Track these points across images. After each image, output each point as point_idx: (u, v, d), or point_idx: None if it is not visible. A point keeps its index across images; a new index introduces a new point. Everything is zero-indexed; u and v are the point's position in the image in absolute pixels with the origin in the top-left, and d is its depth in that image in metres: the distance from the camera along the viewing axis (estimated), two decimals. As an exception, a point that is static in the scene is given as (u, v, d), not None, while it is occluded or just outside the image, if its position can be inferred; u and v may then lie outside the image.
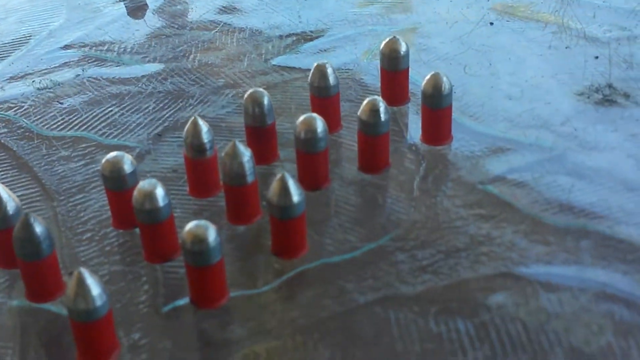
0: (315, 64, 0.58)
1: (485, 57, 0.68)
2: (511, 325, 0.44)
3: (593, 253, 0.48)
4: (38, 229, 0.45)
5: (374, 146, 0.54)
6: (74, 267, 0.49)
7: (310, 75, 0.58)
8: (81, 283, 0.41)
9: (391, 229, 0.51)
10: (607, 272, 0.46)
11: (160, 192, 0.47)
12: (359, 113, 0.54)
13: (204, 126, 0.52)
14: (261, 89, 0.55)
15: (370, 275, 0.47)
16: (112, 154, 0.50)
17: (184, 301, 0.47)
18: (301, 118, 0.52)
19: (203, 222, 0.44)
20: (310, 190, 0.54)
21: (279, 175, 0.47)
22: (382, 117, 0.53)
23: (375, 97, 0.54)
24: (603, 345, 0.42)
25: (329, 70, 0.57)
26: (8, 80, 0.69)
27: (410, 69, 0.61)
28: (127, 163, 0.50)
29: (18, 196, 0.55)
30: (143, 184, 0.47)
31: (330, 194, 0.54)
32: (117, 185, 0.50)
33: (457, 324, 0.44)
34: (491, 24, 0.73)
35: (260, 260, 0.49)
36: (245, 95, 0.55)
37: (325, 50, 0.70)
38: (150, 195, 0.47)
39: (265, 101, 0.55)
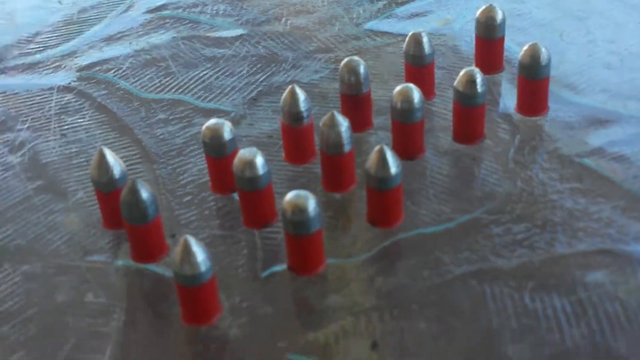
0: (410, 33, 0.57)
1: (583, 24, 0.66)
2: (609, 304, 0.44)
3: (695, 232, 0.47)
4: (144, 194, 0.47)
5: (470, 117, 0.54)
6: (175, 229, 0.51)
7: (405, 43, 0.58)
8: (187, 249, 0.43)
9: (486, 201, 0.51)
10: None
11: (260, 160, 0.48)
12: (455, 83, 0.54)
13: (301, 94, 0.53)
14: (357, 58, 0.55)
15: (465, 247, 0.48)
16: (212, 120, 0.51)
17: (281, 267, 0.48)
18: (398, 88, 0.52)
19: (303, 192, 0.45)
20: (405, 160, 0.54)
21: (377, 147, 0.47)
22: (479, 88, 0.53)
23: (473, 67, 0.53)
24: None
25: (425, 39, 0.57)
26: (106, 42, 0.70)
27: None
28: (227, 130, 0.51)
29: (124, 155, 0.57)
30: (244, 152, 0.48)
31: (425, 163, 0.54)
32: (217, 151, 0.51)
33: (554, 300, 0.44)
34: (588, -12, 0.71)
35: (356, 229, 0.50)
36: (342, 64, 0.55)
37: (417, 15, 0.70)
38: (250, 164, 0.48)
39: (362, 70, 0.55)
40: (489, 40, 0.60)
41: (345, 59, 0.55)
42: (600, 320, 0.43)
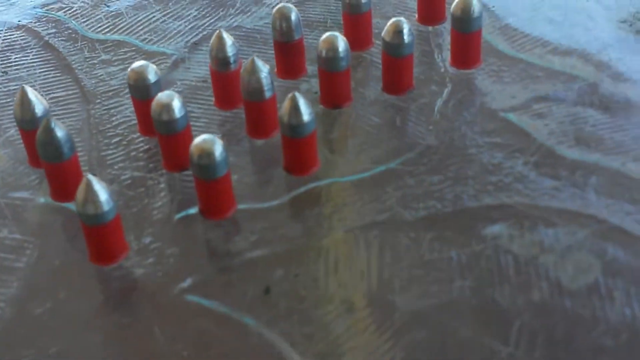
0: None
1: (535, -23, 0.66)
2: (502, 256, 0.44)
3: (600, 190, 0.48)
4: (59, 133, 0.48)
5: (397, 68, 0.54)
6: (99, 170, 0.52)
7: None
8: (89, 188, 0.44)
9: (404, 152, 0.51)
10: (610, 211, 0.46)
11: (177, 103, 0.49)
12: (382, 34, 0.54)
13: (228, 39, 0.53)
14: (289, 5, 0.56)
15: (375, 198, 0.49)
16: (138, 63, 0.52)
17: (195, 210, 0.49)
18: (323, 37, 0.53)
19: (210, 136, 0.46)
20: (331, 108, 0.54)
21: (290, 95, 0.48)
22: (406, 38, 0.53)
23: (400, 18, 0.53)
24: (588, 283, 0.43)
25: (363, -10, 0.57)
26: (62, -20, 0.71)
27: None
28: (152, 73, 0.52)
29: (58, 97, 0.58)
30: (161, 96, 0.49)
31: (350, 112, 0.54)
32: (142, 94, 0.52)
33: (450, 252, 0.45)
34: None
35: (273, 176, 0.51)
36: (274, 10, 0.56)
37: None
38: (167, 107, 0.49)
39: (293, 17, 0.55)
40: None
41: (278, 5, 0.56)
42: (489, 273, 0.44)
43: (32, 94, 0.50)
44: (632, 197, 0.47)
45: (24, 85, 0.50)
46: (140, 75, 0.52)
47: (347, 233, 0.47)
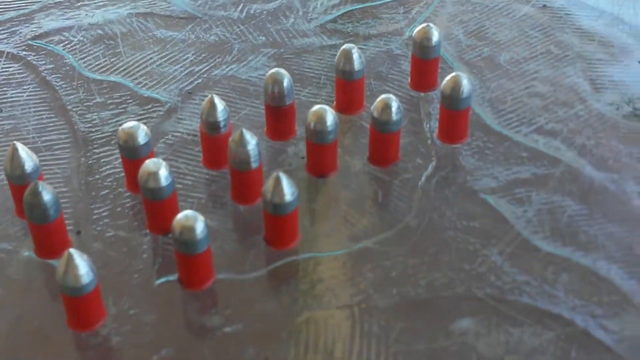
0: (342, 48, 0.58)
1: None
2: (467, 355, 0.46)
3: (569, 288, 0.49)
4: (46, 197, 0.49)
5: (384, 143, 0.55)
6: (84, 225, 0.53)
7: (336, 57, 0.59)
8: (70, 262, 0.45)
9: (383, 229, 0.52)
10: (577, 312, 0.47)
11: (163, 172, 0.50)
12: (372, 108, 0.55)
13: (219, 105, 0.54)
14: (282, 70, 0.56)
15: (351, 277, 0.50)
16: (129, 124, 0.53)
17: (175, 277, 0.50)
18: (313, 109, 0.54)
19: (192, 213, 0.47)
20: (317, 177, 0.55)
21: (273, 175, 0.49)
22: (394, 116, 0.54)
23: (389, 95, 0.54)
24: (547, 392, 0.44)
25: (355, 55, 0.58)
26: (65, 9, 0.71)
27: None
28: (142, 135, 0.53)
29: (50, 140, 0.59)
30: (148, 164, 0.50)
31: (334, 183, 0.55)
32: (131, 154, 0.53)
33: (417, 345, 0.46)
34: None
35: (253, 244, 0.52)
36: (266, 75, 0.56)
37: (373, 15, 0.70)
38: (154, 175, 0.50)
39: (285, 82, 0.56)
40: (424, 60, 0.60)
41: (270, 71, 0.56)
42: (452, 373, 0.45)
43: (22, 150, 0.51)
44: (600, 298, 0.48)
45: (15, 142, 0.51)
46: (130, 136, 0.53)
47: (321, 313, 0.48)
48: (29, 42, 0.68)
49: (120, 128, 0.53)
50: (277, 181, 0.49)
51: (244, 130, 0.52)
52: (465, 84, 0.55)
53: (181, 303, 0.49)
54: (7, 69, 0.65)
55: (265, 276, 0.50)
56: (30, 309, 0.49)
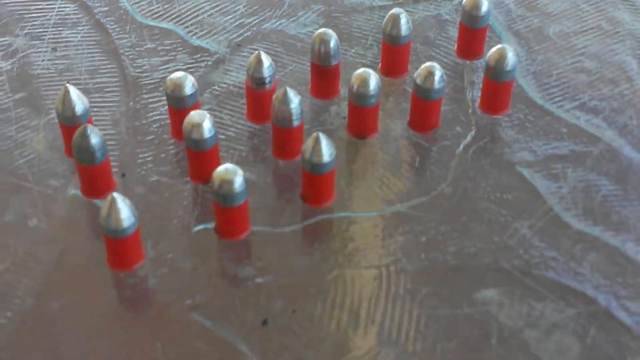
0: (390, 12, 0.59)
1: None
2: (489, 324, 0.47)
3: (596, 267, 0.50)
4: (94, 139, 0.50)
5: (425, 110, 0.56)
6: (129, 168, 0.55)
7: (383, 22, 0.59)
8: (113, 206, 0.47)
9: (417, 195, 0.53)
10: (601, 292, 0.48)
11: (207, 124, 0.51)
12: (414, 75, 0.55)
13: (266, 61, 0.55)
14: (330, 31, 0.57)
15: (382, 239, 0.51)
16: (177, 74, 0.54)
17: (212, 225, 0.52)
18: (356, 72, 0.54)
19: (232, 167, 0.49)
20: (357, 138, 0.57)
21: (313, 135, 0.50)
22: (436, 85, 0.55)
23: (433, 64, 0.55)
24: (563, 366, 0.45)
25: (403, 21, 0.58)
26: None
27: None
28: (189, 86, 0.54)
29: (101, 83, 0.60)
30: (193, 115, 0.52)
31: (373, 145, 0.56)
32: (178, 103, 0.55)
33: (441, 311, 0.47)
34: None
35: (290, 200, 0.53)
36: (314, 35, 0.57)
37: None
38: (198, 127, 0.51)
39: (332, 43, 0.57)
40: (472, 28, 0.61)
41: (318, 30, 0.57)
42: (473, 339, 0.46)
43: (74, 93, 0.53)
44: (625, 279, 0.49)
45: (67, 84, 0.53)
46: (177, 87, 0.54)
47: (350, 273, 0.49)
48: (86, -18, 0.69)
49: (168, 78, 0.55)
50: (317, 141, 0.50)
51: (288, 89, 0.53)
52: (511, 56, 0.56)
53: (216, 251, 0.51)
54: (63, 9, 0.67)
55: (299, 232, 0.52)
56: (73, 246, 0.51)
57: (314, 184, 0.52)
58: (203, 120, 0.51)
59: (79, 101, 0.53)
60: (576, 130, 0.57)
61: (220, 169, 0.49)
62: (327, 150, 0.50)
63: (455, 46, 0.63)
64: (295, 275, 0.49)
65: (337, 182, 0.54)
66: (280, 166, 0.55)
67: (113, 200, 0.47)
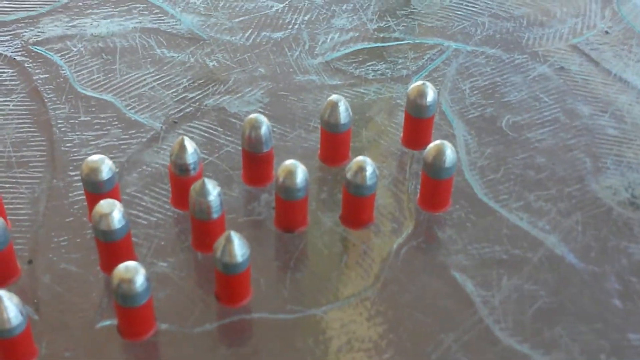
0: (328, 99, 0.56)
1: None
2: None
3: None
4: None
5: (356, 205, 0.53)
6: (40, 253, 0.52)
7: (322, 108, 0.56)
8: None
9: (337, 299, 0.50)
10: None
11: (117, 214, 0.49)
12: (346, 169, 0.52)
13: (189, 147, 0.52)
14: (260, 116, 0.54)
15: (290, 347, 0.48)
16: (93, 157, 0.52)
17: (113, 322, 0.49)
18: (284, 164, 0.52)
19: (133, 264, 0.46)
20: (284, 231, 0.53)
21: (226, 233, 0.47)
22: (368, 181, 0.52)
23: (364, 158, 0.52)
24: None
25: (342, 108, 0.56)
26: (73, 15, 0.70)
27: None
28: (105, 170, 0.51)
29: (25, 156, 0.58)
30: (102, 204, 0.49)
31: (300, 239, 0.53)
32: (94, 188, 0.52)
33: None
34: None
35: (203, 299, 0.50)
36: (245, 120, 0.54)
37: (381, 57, 0.68)
38: (106, 217, 0.48)
39: (263, 129, 0.54)
40: (417, 118, 0.58)
41: (249, 116, 0.55)
42: None
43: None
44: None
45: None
46: (93, 171, 0.51)
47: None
48: (30, 47, 0.67)
49: (84, 161, 0.52)
50: (228, 240, 0.47)
51: (206, 180, 0.50)
52: (449, 153, 0.53)
53: (119, 351, 0.48)
54: (1, 75, 0.64)
55: (210, 332, 0.49)
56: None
57: (227, 284, 0.49)
58: (112, 210, 0.49)
59: (-13, 182, 0.50)
60: (518, 233, 0.54)
61: (120, 267, 0.46)
62: (239, 250, 0.47)
63: (401, 135, 0.60)
64: (197, 383, 0.46)
65: (257, 279, 0.50)
66: (198, 259, 0.52)
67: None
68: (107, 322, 0.49)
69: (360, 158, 0.52)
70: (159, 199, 0.56)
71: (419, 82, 0.57)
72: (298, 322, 0.49)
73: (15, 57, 0.66)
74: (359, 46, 0.68)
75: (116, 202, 0.49)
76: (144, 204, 0.55)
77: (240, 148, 0.58)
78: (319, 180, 0.57)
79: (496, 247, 0.53)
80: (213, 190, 0.50)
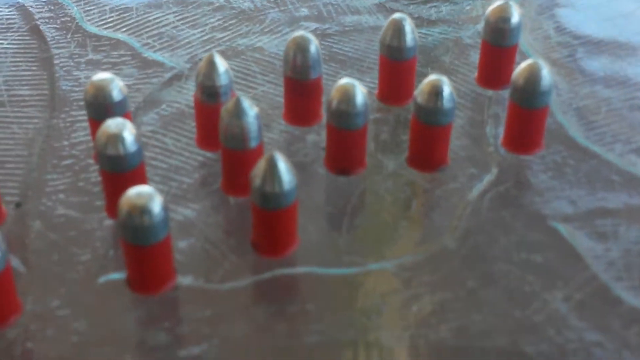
0: (391, 17, 0.45)
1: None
2: None
3: (656, 358, 0.34)
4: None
5: (429, 139, 0.42)
6: (33, 195, 0.41)
7: (382, 30, 0.46)
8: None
9: (409, 251, 0.39)
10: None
11: (128, 136, 0.38)
12: (416, 92, 0.42)
13: (221, 66, 0.42)
14: (308, 34, 0.44)
15: (349, 306, 0.36)
16: (100, 75, 0.41)
17: (120, 276, 0.38)
18: (338, 83, 0.41)
19: (147, 190, 0.35)
20: (336, 174, 0.43)
21: (267, 155, 0.36)
22: (445, 103, 0.41)
23: (440, 77, 0.41)
24: None
25: (407, 28, 0.45)
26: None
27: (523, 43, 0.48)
28: (115, 89, 0.41)
29: (19, 95, 0.48)
30: (109, 124, 0.38)
31: (358, 183, 0.42)
32: (101, 114, 0.41)
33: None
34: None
35: (235, 249, 0.39)
36: (288, 41, 0.44)
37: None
38: (114, 138, 0.38)
39: (312, 49, 0.44)
40: (498, 47, 0.47)
41: (294, 35, 0.44)
42: None
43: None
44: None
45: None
46: (100, 91, 0.41)
47: (307, 347, 0.35)
48: (33, -12, 0.57)
49: (89, 80, 0.41)
50: (271, 163, 0.36)
51: (241, 97, 0.39)
52: (545, 74, 0.42)
53: (124, 310, 0.37)
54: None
55: (244, 290, 0.37)
56: None
57: (268, 224, 0.38)
58: (122, 130, 0.38)
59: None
60: (631, 179, 0.43)
61: (131, 192, 0.35)
62: (286, 176, 0.36)
63: (476, 73, 0.49)
64: (230, 347, 0.35)
65: (303, 227, 0.39)
66: (229, 204, 0.41)
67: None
68: (113, 276, 0.38)
69: (434, 77, 0.41)
70: (181, 139, 0.45)
71: (501, 1, 0.47)
72: (359, 276, 0.38)
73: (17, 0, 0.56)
74: (418, -12, 0.58)
75: (127, 121, 0.38)
76: (164, 145, 0.44)
77: (278, 88, 0.48)
78: (378, 122, 0.46)
79: (605, 193, 0.42)
80: (250, 110, 0.39)
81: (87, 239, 0.40)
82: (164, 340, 0.35)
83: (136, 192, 0.35)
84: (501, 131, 0.46)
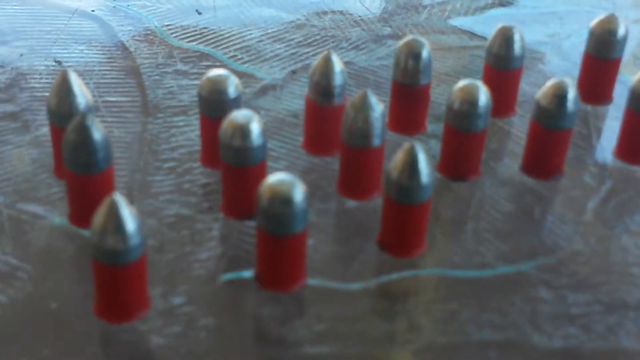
0: (499, 26, 0.45)
1: None
2: None
3: None
4: (95, 134, 0.36)
5: (548, 143, 0.41)
6: (139, 197, 0.40)
7: (490, 38, 0.45)
8: (112, 213, 0.31)
9: (541, 254, 0.38)
10: None
11: (255, 128, 0.37)
12: (537, 96, 0.41)
13: (337, 65, 0.41)
14: (421, 39, 0.43)
15: (496, 306, 0.35)
16: (216, 71, 0.40)
17: (250, 274, 0.36)
18: (461, 84, 0.40)
19: (289, 177, 0.33)
20: (452, 179, 0.41)
21: (407, 145, 0.35)
22: (569, 106, 0.40)
23: (564, 79, 0.40)
24: None
25: (516, 37, 0.45)
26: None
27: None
28: (232, 86, 0.40)
29: (112, 101, 0.46)
30: (236, 115, 0.37)
31: (475, 189, 0.41)
32: (214, 111, 0.40)
33: (598, 407, 0.31)
34: None
35: (361, 249, 0.37)
36: (401, 43, 0.43)
37: (520, 22, 0.57)
38: (241, 129, 0.36)
39: (424, 54, 0.43)
40: (602, 60, 0.47)
41: (406, 38, 0.43)
42: None
43: (75, 81, 0.38)
44: None
45: (67, 69, 0.39)
46: (217, 86, 0.40)
47: (442, 347, 0.33)
48: (107, 2, 0.57)
49: (204, 76, 0.40)
50: (411, 154, 0.35)
51: (369, 92, 0.38)
52: (666, 80, 0.41)
53: (254, 307, 0.35)
54: (75, 26, 0.54)
55: (374, 290, 0.36)
56: (46, 286, 0.35)
57: (402, 220, 0.36)
58: (249, 122, 0.37)
59: (79, 94, 0.39)
60: None
61: (273, 178, 0.33)
62: (425, 168, 0.35)
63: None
64: (367, 346, 0.33)
65: (429, 232, 0.38)
66: (348, 208, 0.40)
67: (113, 205, 0.31)
68: (233, 275, 0.36)
69: (557, 79, 0.40)
70: (285, 144, 0.44)
71: (607, 14, 0.46)
72: (492, 279, 0.36)
73: (92, 11, 0.55)
74: (493, 11, 0.58)
75: (254, 113, 0.37)
76: (269, 151, 0.43)
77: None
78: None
79: None
80: (377, 106, 0.38)
81: (202, 237, 0.38)
82: (305, 336, 0.33)
83: (279, 179, 0.33)
84: (607, 143, 0.45)
